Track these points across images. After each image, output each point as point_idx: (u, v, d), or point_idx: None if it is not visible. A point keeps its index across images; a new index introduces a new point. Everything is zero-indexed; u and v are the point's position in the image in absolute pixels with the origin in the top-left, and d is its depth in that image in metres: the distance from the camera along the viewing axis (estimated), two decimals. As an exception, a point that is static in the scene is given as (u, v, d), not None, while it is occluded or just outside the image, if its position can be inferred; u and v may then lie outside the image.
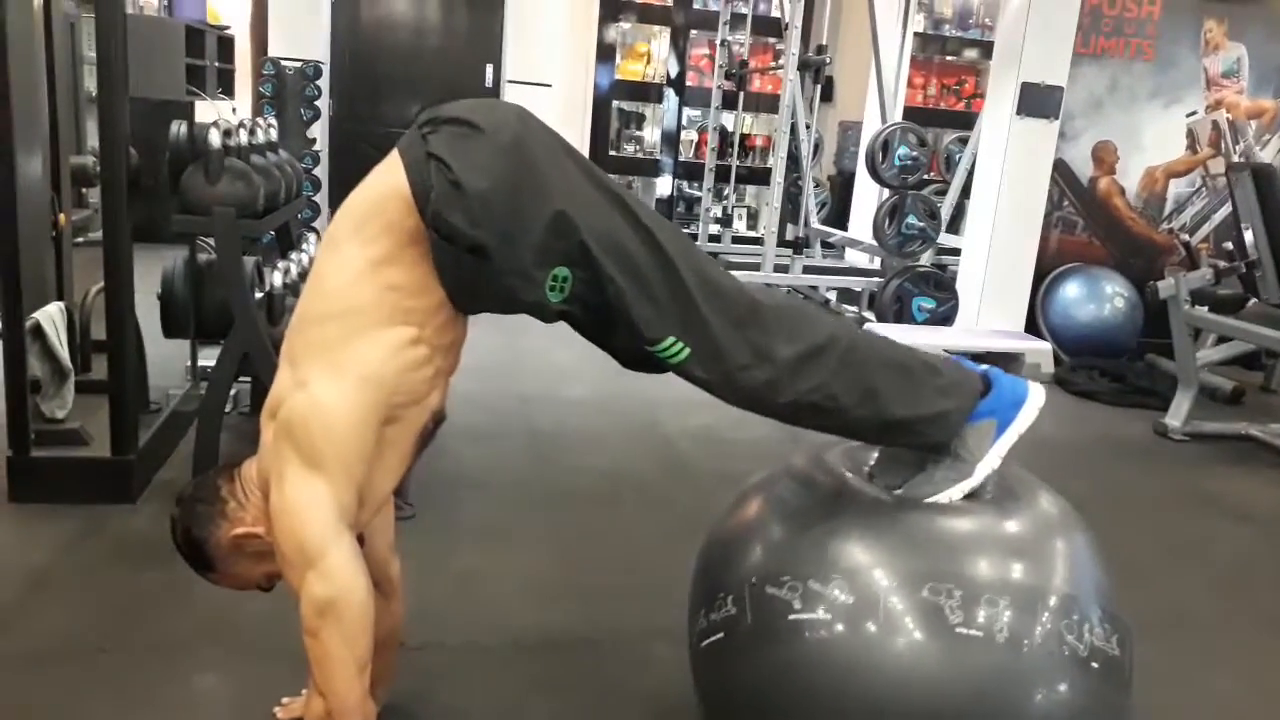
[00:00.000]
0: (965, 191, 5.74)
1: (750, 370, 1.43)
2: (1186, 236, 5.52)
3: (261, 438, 1.45)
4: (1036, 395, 1.60)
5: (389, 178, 1.38)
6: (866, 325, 5.35)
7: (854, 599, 1.43)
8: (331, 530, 1.36)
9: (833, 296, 6.48)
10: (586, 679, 2.10)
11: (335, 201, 7.05)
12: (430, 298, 1.40)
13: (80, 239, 3.45)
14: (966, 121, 7.47)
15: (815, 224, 6.88)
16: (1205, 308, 4.34)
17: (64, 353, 3.00)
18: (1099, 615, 1.48)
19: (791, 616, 1.45)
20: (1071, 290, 5.38)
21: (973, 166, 5.58)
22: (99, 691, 1.92)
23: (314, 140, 5.88)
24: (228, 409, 3.48)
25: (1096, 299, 5.34)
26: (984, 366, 1.66)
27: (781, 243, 6.06)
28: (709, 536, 1.76)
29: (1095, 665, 1.44)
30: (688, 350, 1.41)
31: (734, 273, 1.54)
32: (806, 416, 1.51)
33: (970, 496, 1.57)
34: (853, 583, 1.45)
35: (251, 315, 2.63)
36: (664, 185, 8.45)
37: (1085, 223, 5.52)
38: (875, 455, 1.74)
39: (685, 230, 7.39)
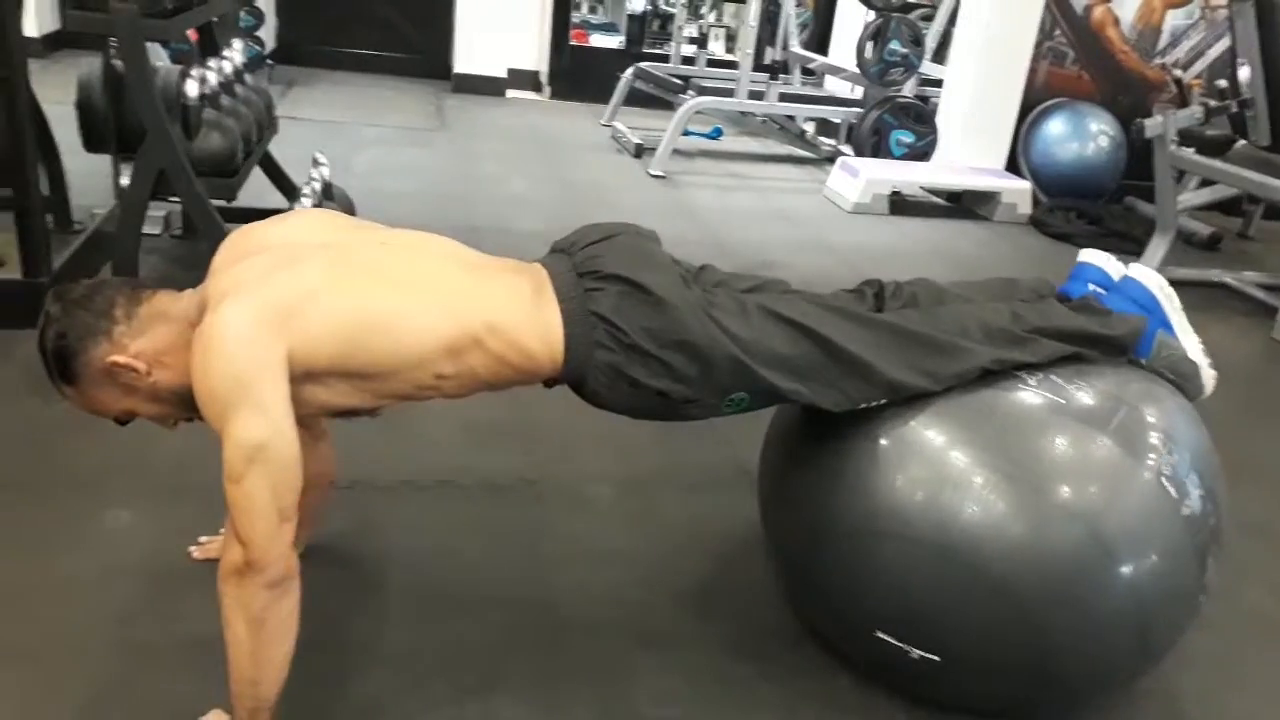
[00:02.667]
0: (953, 18, 5.41)
1: (926, 383, 1.50)
2: (1179, 72, 5.27)
3: (214, 277, 1.36)
4: (1151, 280, 1.65)
5: (538, 315, 1.40)
6: (841, 158, 5.14)
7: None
8: (273, 371, 1.24)
9: (810, 127, 6.22)
10: (522, 519, 2.03)
11: (283, 12, 6.63)
12: (486, 375, 1.42)
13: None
14: (961, -60, 6.99)
15: (795, 47, 6.52)
16: (1191, 149, 4.17)
17: (-30, 165, 2.77)
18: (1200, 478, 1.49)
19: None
20: (1055, 127, 5.16)
21: (963, -10, 5.23)
22: (4, 529, 1.82)
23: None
24: (156, 231, 3.30)
25: (1080, 137, 5.13)
26: (1097, 293, 1.68)
27: (758, 67, 5.73)
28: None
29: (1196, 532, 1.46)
30: (882, 401, 1.51)
31: None
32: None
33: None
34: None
35: (164, 128, 2.39)
36: (636, 1, 7.95)
37: (1075, 54, 5.24)
38: None
39: (656, 52, 7.04)
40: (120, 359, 1.33)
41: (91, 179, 3.22)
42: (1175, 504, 1.43)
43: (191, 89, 2.52)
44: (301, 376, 1.29)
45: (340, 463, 1.82)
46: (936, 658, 1.46)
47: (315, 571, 1.75)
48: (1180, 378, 1.62)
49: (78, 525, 1.84)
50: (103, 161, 3.19)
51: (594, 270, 1.43)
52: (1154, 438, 1.47)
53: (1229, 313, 3.89)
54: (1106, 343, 1.57)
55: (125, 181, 2.90)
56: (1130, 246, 4.40)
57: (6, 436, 2.10)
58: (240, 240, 1.45)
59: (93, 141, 3.02)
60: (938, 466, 1.46)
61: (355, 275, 1.36)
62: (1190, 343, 1.63)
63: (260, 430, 1.22)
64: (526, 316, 1.40)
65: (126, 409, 1.40)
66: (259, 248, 1.40)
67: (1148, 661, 1.55)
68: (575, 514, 2.08)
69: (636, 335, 1.39)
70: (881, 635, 1.49)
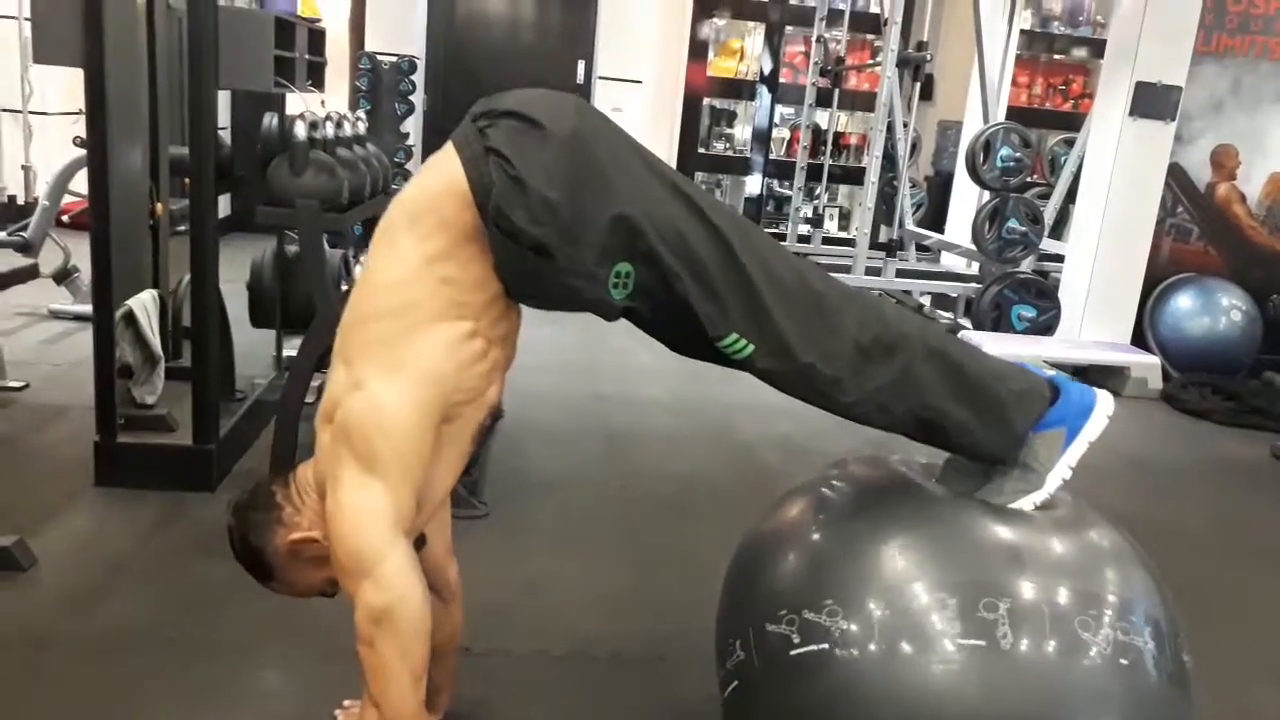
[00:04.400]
0: (1070, 196, 5.48)
1: (815, 368, 1.40)
2: (1312, 246, 5.18)
3: (317, 441, 1.42)
4: (1105, 403, 1.52)
5: (444, 172, 1.34)
6: (963, 333, 5.15)
7: (853, 626, 1.35)
8: (387, 537, 1.32)
9: (927, 301, 6.28)
10: (652, 695, 2.02)
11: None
12: (485, 292, 1.37)
13: (181, 228, 3.53)
14: (1073, 123, 7.16)
15: (910, 225, 6.67)
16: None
17: (155, 339, 3.05)
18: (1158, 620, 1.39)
19: (792, 653, 1.37)
20: (1184, 302, 5.09)
21: (1078, 170, 5.32)
22: (164, 682, 1.92)
23: (407, 134, 5.94)
24: (310, 400, 3.53)
25: (1210, 311, 5.04)
26: (1051, 373, 1.59)
27: (875, 245, 5.89)
28: (724, 579, 1.68)
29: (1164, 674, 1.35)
30: (751, 347, 1.39)
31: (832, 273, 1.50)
32: (873, 416, 1.47)
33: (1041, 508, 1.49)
34: (850, 610, 1.36)
35: (333, 307, 2.62)
36: (754, 184, 8.31)
37: (1200, 230, 5.22)
38: (941, 464, 1.65)
39: (773, 230, 7.31)
40: (296, 535, 1.44)
41: (253, 351, 3.50)
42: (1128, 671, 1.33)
43: (358, 273, 2.76)
44: (411, 498, 1.35)
45: (475, 627, 1.87)
46: None
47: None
48: (1016, 474, 1.49)
49: (231, 683, 1.93)
50: (263, 336, 3.48)
51: (488, 110, 1.35)
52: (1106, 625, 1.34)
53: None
54: (989, 393, 1.46)
55: (288, 353, 3.15)
56: (1271, 424, 4.23)
57: (171, 594, 2.23)
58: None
59: (259, 318, 3.32)
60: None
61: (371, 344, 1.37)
62: (1061, 471, 1.49)
63: (382, 597, 1.30)
64: (439, 193, 1.34)
65: (327, 578, 1.46)
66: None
67: None
68: (703, 692, 2.06)
69: (521, 166, 1.27)
70: None
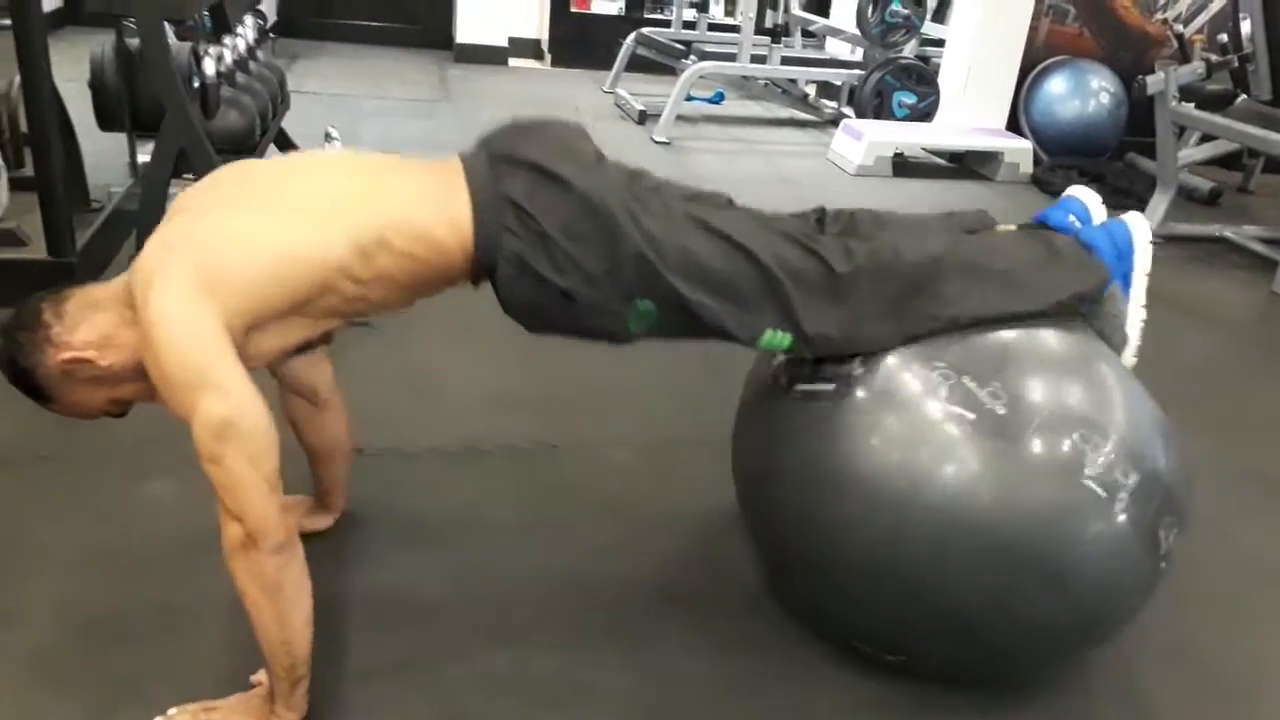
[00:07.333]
0: (955, -24, 5.40)
1: (854, 335, 1.46)
2: (1180, 27, 5.27)
3: (147, 247, 1.33)
4: (1139, 230, 1.58)
5: (448, 203, 1.37)
6: (844, 121, 5.16)
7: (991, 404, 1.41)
8: (219, 344, 1.25)
9: (812, 90, 6.22)
10: (545, 483, 2.10)
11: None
12: (401, 276, 1.39)
13: (2, 22, 3.18)
14: (960, -103, 6.94)
15: (796, 10, 6.50)
16: (1192, 104, 4.19)
17: (-10, 147, 2.82)
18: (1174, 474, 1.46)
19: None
20: (1056, 85, 5.17)
21: (964, -52, 5.22)
22: (45, 498, 1.90)
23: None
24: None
25: (1081, 95, 5.14)
26: (1070, 214, 1.63)
27: (760, 30, 5.73)
28: None
29: (1169, 519, 1.44)
30: (790, 338, 1.46)
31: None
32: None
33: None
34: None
35: (184, 106, 2.44)
36: (637, -34, 7.90)
37: (1077, 11, 5.24)
38: None
39: (655, 17, 7.02)
40: (67, 355, 1.34)
41: (106, 157, 3.27)
42: (1106, 503, 1.37)
43: (209, 67, 2.56)
44: (242, 335, 1.31)
45: (370, 431, 1.88)
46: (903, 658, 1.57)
47: (347, 534, 1.85)
48: (1105, 340, 1.56)
49: (110, 497, 1.92)
50: (117, 140, 3.24)
51: (508, 155, 1.39)
52: (1075, 439, 1.38)
53: (1230, 267, 3.94)
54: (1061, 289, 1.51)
55: (142, 160, 2.95)
56: (1132, 203, 4.43)
57: (39, 411, 2.16)
58: (182, 198, 1.45)
59: (107, 120, 3.07)
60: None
61: (252, 211, 1.36)
62: (1135, 315, 1.57)
63: (223, 408, 1.23)
64: (433, 206, 1.38)
65: (108, 399, 1.41)
66: (186, 207, 1.42)
67: (1101, 642, 1.58)
68: (597, 476, 2.15)
69: (545, 222, 1.35)
70: (857, 645, 1.60)
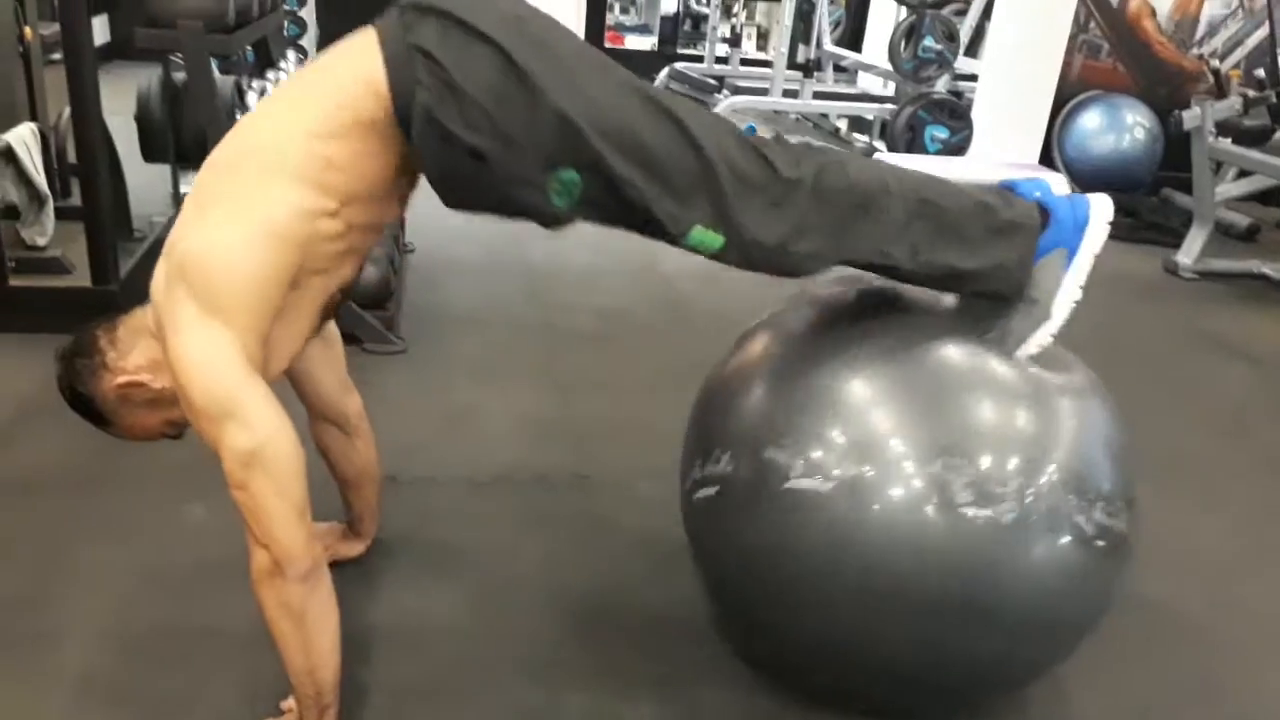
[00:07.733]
0: (987, 13, 5.42)
1: (789, 247, 1.34)
2: (1217, 63, 5.25)
3: (154, 280, 1.32)
4: (1100, 210, 1.46)
5: (361, 64, 1.26)
6: (876, 155, 5.16)
7: (854, 470, 1.38)
8: (241, 373, 1.24)
9: (843, 124, 6.25)
10: (576, 514, 2.10)
11: (323, 18, 6.76)
12: (360, 182, 1.30)
13: (55, 56, 3.28)
14: (993, -66, 6.99)
15: (828, 45, 6.55)
16: (1229, 139, 4.16)
17: (39, 177, 2.90)
18: (1110, 490, 1.41)
19: (788, 485, 1.41)
20: (1090, 120, 5.15)
21: (996, -16, 5.24)
22: (89, 520, 1.93)
23: (296, -51, 5.53)
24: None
25: (1116, 129, 5.12)
26: (1037, 189, 1.51)
27: (792, 65, 5.78)
28: (707, 381, 1.68)
29: (1100, 544, 1.39)
30: (721, 239, 1.33)
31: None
32: (864, 271, 1.44)
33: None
34: (854, 451, 1.39)
35: (228, 139, 2.49)
36: (669, 2, 8.02)
37: (1111, 47, 5.24)
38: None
39: (689, 53, 7.11)
40: (123, 379, 1.38)
41: (149, 188, 3.34)
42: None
43: (252, 100, 2.62)
44: (262, 346, 1.29)
45: (403, 459, 1.89)
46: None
47: (378, 561, 1.86)
48: (1021, 310, 1.45)
49: (156, 518, 1.95)
50: (160, 170, 3.31)
51: (417, 4, 1.26)
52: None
53: (1266, 303, 3.88)
54: (991, 218, 1.42)
55: (184, 190, 3.01)
56: (1168, 239, 4.40)
57: (88, 434, 2.18)
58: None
59: (152, 152, 3.15)
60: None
61: (216, 205, 1.30)
62: (1069, 293, 1.44)
63: (248, 437, 1.23)
64: (350, 84, 1.27)
65: (164, 420, 1.43)
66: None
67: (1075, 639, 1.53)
68: (627, 507, 2.15)
69: (456, 73, 1.21)
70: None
